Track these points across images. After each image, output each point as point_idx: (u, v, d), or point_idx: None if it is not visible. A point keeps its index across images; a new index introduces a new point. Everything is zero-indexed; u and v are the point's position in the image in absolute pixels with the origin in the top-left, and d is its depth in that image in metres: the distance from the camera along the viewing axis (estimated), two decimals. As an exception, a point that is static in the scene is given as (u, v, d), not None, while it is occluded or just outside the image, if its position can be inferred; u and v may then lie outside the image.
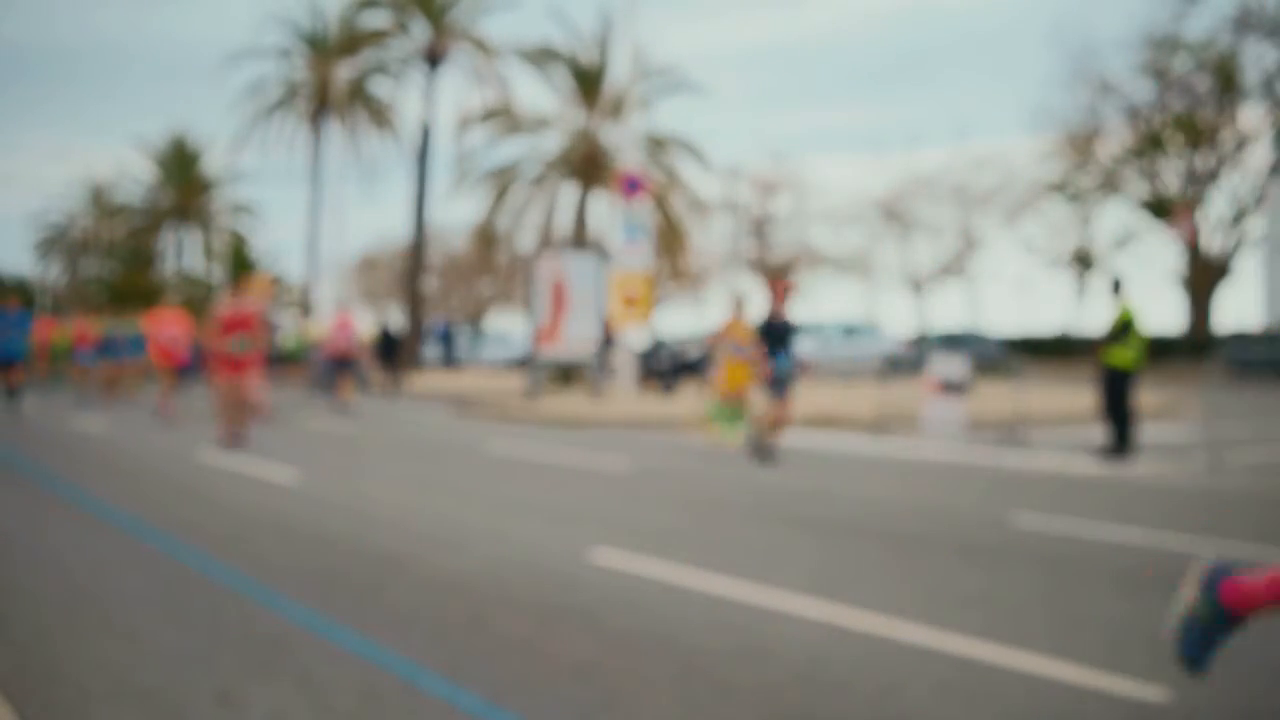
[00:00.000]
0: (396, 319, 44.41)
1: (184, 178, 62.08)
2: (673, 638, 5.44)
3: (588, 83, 40.74)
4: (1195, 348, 39.45)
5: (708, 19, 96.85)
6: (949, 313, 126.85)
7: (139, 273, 58.14)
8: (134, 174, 64.57)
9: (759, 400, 13.72)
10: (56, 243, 75.19)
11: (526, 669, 4.96)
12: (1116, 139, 43.77)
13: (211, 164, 61.47)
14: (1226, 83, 41.33)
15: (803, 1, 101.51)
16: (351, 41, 45.79)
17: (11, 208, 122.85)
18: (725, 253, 52.62)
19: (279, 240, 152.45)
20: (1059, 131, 44.44)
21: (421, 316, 46.30)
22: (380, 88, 46.98)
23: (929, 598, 6.26)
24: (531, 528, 8.63)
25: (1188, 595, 3.76)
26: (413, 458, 13.99)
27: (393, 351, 30.58)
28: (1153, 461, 13.15)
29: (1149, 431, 15.83)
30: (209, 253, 58.81)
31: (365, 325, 32.35)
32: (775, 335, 13.43)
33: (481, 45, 43.30)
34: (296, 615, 5.87)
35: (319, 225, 46.78)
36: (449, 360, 48.14)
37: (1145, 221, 44.00)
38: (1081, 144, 44.16)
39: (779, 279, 13.99)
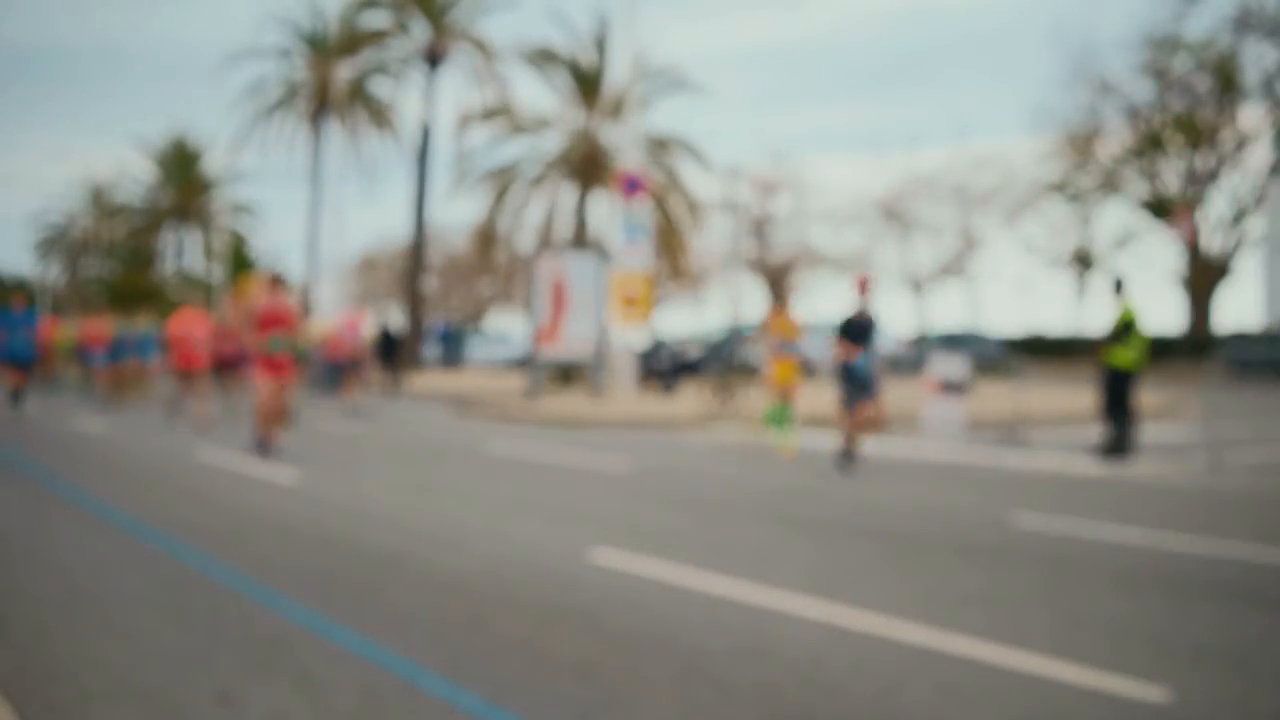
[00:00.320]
0: (396, 319, 44.40)
1: (184, 178, 62.15)
2: (673, 638, 5.44)
3: (587, 83, 40.75)
4: (1195, 348, 39.45)
5: (708, 19, 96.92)
6: (949, 313, 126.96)
7: (139, 273, 58.19)
8: (134, 174, 64.73)
9: (837, 405, 12.88)
10: (56, 243, 75.27)
11: (526, 669, 4.96)
12: (1116, 139, 43.78)
13: (211, 164, 61.60)
14: (1226, 83, 41.33)
15: (803, 1, 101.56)
16: (351, 41, 45.79)
17: (11, 208, 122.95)
18: (725, 253, 52.62)
19: (279, 240, 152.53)
20: (1059, 131, 44.48)
21: (421, 316, 46.32)
22: (380, 88, 47.03)
23: (929, 598, 6.26)
24: (531, 528, 8.63)
25: None
26: (413, 458, 13.98)
27: (392, 351, 30.58)
28: (1153, 461, 13.15)
29: (1149, 431, 15.83)
30: (209, 253, 58.82)
31: (366, 325, 32.27)
32: (857, 333, 12.57)
33: (481, 45, 43.32)
34: (296, 615, 5.87)
35: (319, 225, 46.79)
36: (449, 360, 48.15)
37: (1145, 221, 44.01)
38: (1081, 144, 44.17)
39: (861, 274, 12.96)
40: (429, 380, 35.21)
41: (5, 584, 6.71)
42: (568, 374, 30.39)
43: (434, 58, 43.42)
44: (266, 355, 13.73)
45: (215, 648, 5.27)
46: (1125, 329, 13.61)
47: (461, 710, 4.42)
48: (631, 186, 25.34)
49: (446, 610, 6.00)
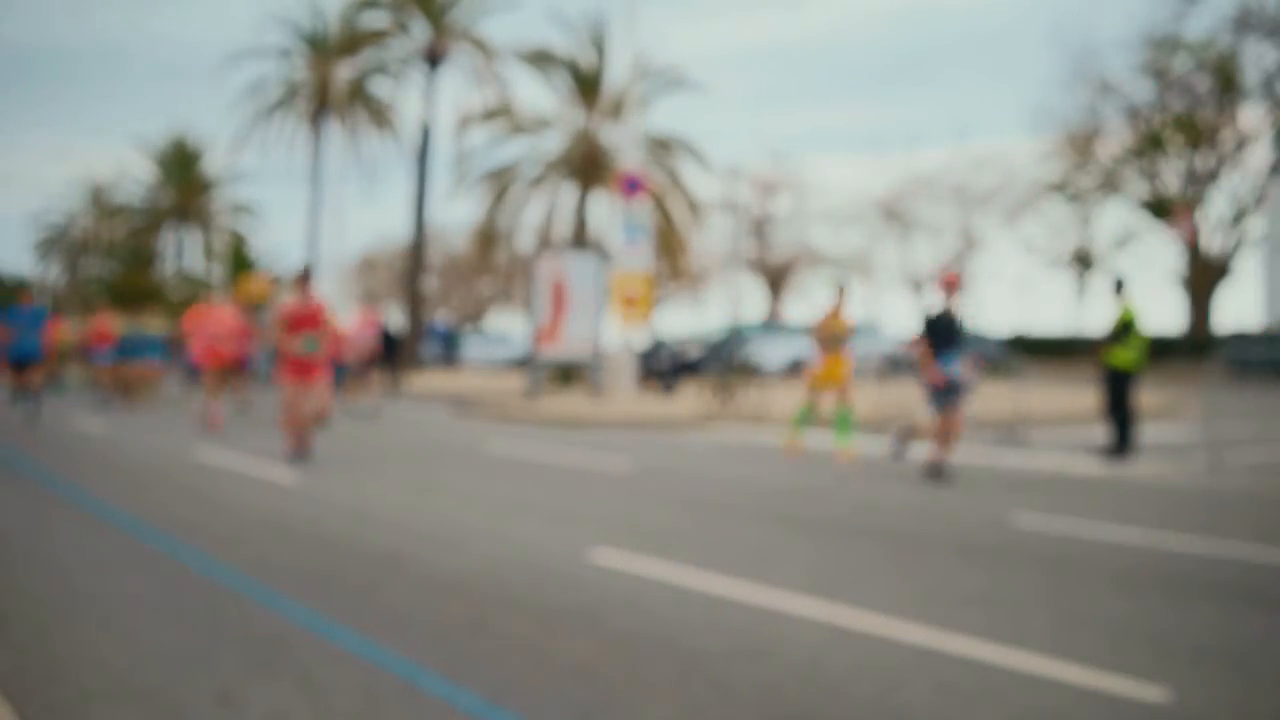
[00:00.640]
0: (396, 319, 44.40)
1: (184, 178, 62.13)
2: (673, 638, 5.44)
3: (587, 83, 40.75)
4: (1195, 348, 39.45)
5: (708, 19, 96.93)
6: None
7: (139, 273, 58.15)
8: (134, 174, 64.72)
9: (924, 411, 12.17)
10: (56, 243, 75.32)
11: (526, 669, 4.96)
12: (1116, 139, 43.77)
13: (211, 164, 61.56)
14: (1226, 83, 41.32)
15: (803, 1, 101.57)
16: (351, 41, 45.79)
17: (11, 208, 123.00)
18: (725, 253, 52.64)
19: (279, 240, 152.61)
20: (1059, 131, 44.48)
21: (421, 316, 46.32)
22: (380, 88, 47.03)
23: (929, 598, 6.26)
24: (531, 528, 8.63)
25: None
26: (413, 458, 13.98)
27: (392, 351, 30.59)
28: (1153, 461, 13.15)
29: (1149, 431, 15.83)
30: (209, 253, 58.78)
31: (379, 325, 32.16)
32: (944, 334, 11.76)
33: (481, 45, 43.33)
34: (296, 615, 5.87)
35: (319, 225, 46.79)
36: (448, 360, 48.13)
37: (1145, 221, 44.00)
38: (1081, 144, 44.16)
39: (949, 272, 12.24)
40: (429, 380, 35.21)
41: (5, 584, 6.71)
42: (568, 374, 30.39)
43: (434, 58, 43.43)
44: (297, 357, 13.08)
45: (215, 648, 5.27)
46: (1125, 329, 13.61)
47: (461, 710, 4.42)
48: (631, 186, 25.35)
49: (446, 610, 6.00)
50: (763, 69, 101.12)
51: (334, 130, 46.43)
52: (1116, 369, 13.60)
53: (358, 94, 46.46)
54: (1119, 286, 13.76)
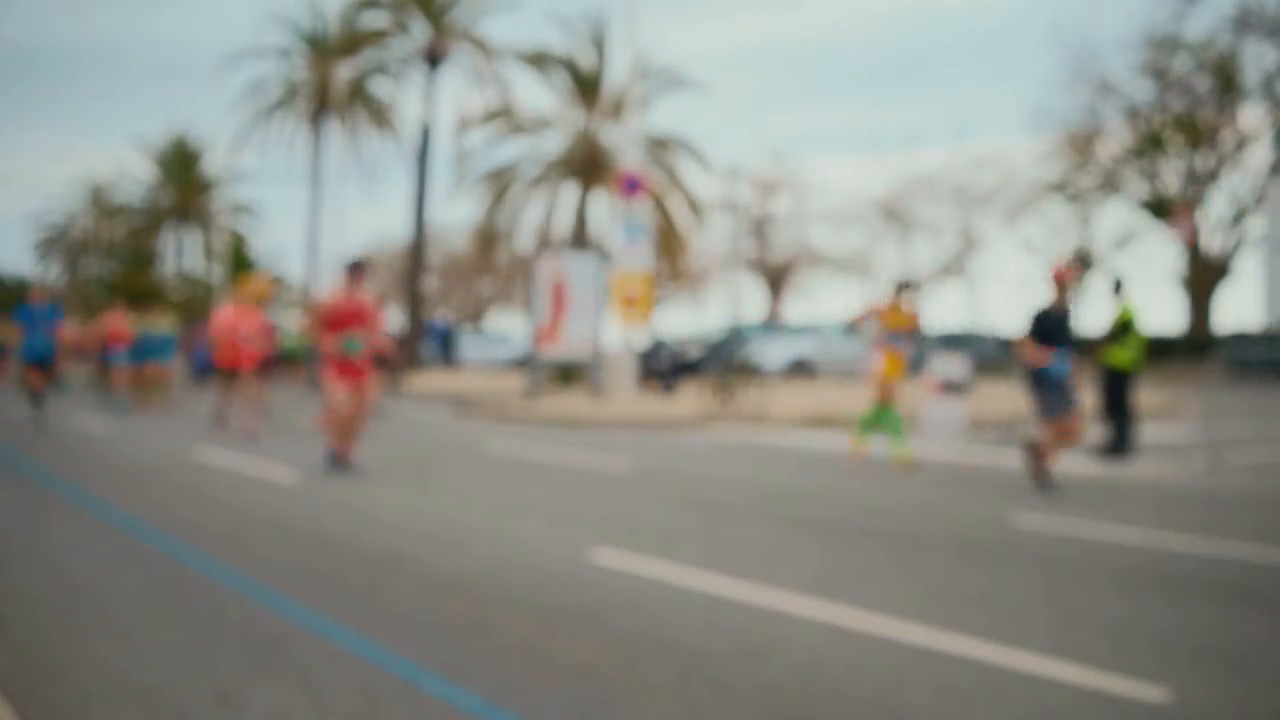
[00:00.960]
0: (396, 319, 44.40)
1: (184, 178, 62.14)
2: (673, 638, 5.44)
3: (587, 83, 40.76)
4: (1195, 348, 39.45)
5: (708, 19, 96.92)
6: (949, 313, 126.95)
7: (139, 273, 58.17)
8: (134, 174, 64.74)
9: (1035, 418, 11.16)
10: (56, 243, 75.26)
11: (526, 669, 4.95)
12: (1116, 139, 43.78)
13: (211, 164, 61.57)
14: (1226, 83, 41.33)
15: (803, 1, 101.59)
16: (351, 41, 45.80)
17: (11, 208, 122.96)
18: (725, 253, 52.62)
19: (279, 240, 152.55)
20: (1059, 131, 44.47)
21: (421, 316, 46.32)
22: (380, 88, 47.05)
23: (929, 598, 6.26)
24: (531, 528, 8.63)
25: None
26: (412, 458, 13.98)
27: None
28: (1153, 461, 13.15)
29: (1149, 431, 15.83)
30: (209, 253, 58.82)
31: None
32: (1054, 331, 10.79)
33: (481, 46, 43.34)
34: (296, 615, 5.86)
35: (319, 225, 46.78)
36: (448, 360, 48.13)
37: (1145, 221, 44.00)
38: (1081, 144, 44.16)
39: (1061, 265, 11.18)
40: (428, 380, 35.21)
41: (4, 583, 6.71)
42: (568, 374, 30.39)
43: (434, 58, 43.43)
44: (342, 358, 12.01)
45: (215, 648, 5.27)
46: (1124, 329, 13.61)
47: (461, 710, 4.42)
48: (631, 186, 25.35)
49: (446, 611, 6.00)
50: (763, 69, 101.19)
51: (334, 130, 46.47)
52: (1115, 369, 13.60)
53: (358, 94, 46.47)
54: (1118, 286, 13.76)
